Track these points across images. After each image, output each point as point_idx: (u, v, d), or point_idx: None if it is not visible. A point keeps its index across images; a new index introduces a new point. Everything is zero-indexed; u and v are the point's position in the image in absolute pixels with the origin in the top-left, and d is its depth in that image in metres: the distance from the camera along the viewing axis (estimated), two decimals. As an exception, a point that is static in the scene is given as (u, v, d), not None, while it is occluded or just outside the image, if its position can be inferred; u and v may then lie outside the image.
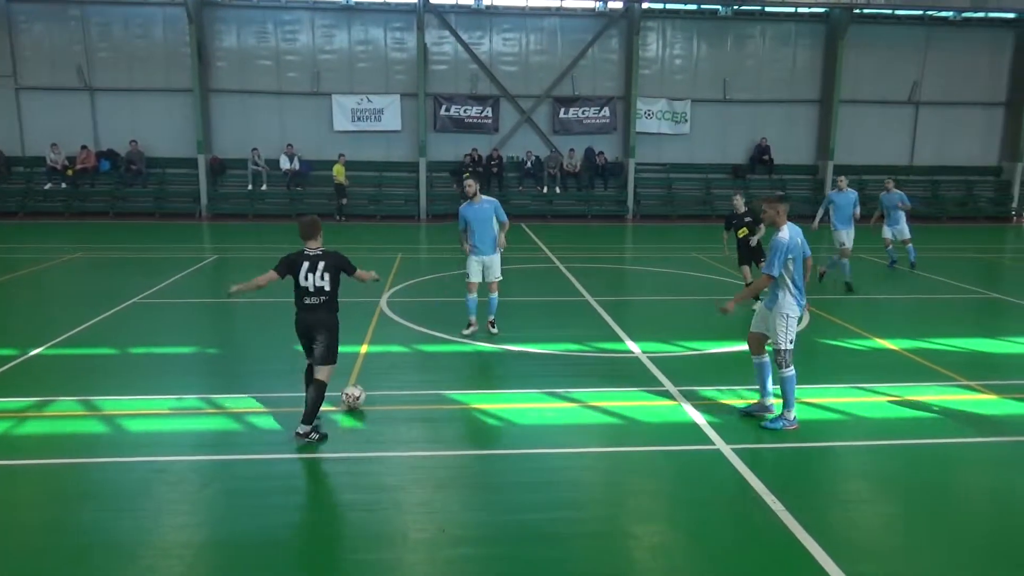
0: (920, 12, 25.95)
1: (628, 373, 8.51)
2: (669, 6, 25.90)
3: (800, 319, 7.00)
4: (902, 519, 5.42)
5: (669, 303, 12.81)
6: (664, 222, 25.46)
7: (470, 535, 5.06)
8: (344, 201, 24.38)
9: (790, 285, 6.73)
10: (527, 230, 22.17)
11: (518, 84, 26.00)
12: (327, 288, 6.43)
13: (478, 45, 25.73)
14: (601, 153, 26.12)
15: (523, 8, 25.68)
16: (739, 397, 7.64)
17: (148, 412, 7.16)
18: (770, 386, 7.09)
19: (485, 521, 5.24)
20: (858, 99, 26.64)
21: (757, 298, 11.33)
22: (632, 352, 9.31)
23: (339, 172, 24.27)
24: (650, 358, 9.02)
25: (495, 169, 25.45)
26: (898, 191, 15.03)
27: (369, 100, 25.49)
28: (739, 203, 11.97)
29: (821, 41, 26.52)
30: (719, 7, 25.79)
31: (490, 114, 25.96)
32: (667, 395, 7.70)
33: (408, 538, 5.01)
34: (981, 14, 25.98)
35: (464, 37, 25.58)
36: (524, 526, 5.16)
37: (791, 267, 6.71)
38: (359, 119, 25.56)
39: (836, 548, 4.83)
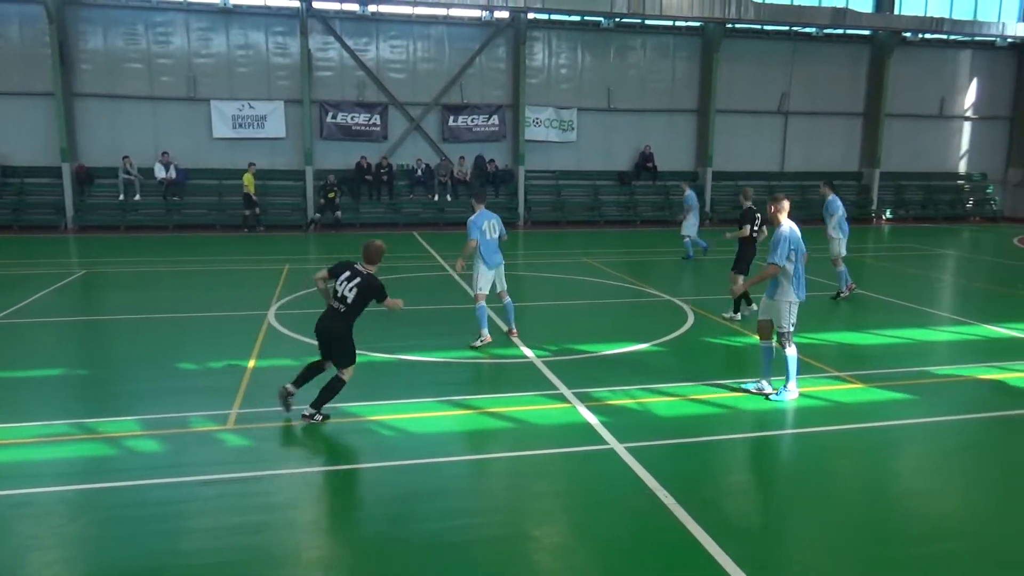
0: (786, 27, 27.69)
1: (522, 378, 8.56)
2: (554, 17, 26.41)
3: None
4: (784, 504, 5.73)
5: (561, 308, 13.01)
6: (554, 228, 25.90)
7: (368, 550, 4.93)
8: (256, 212, 23.50)
9: (791, 275, 7.56)
10: (419, 238, 22.00)
11: (406, 91, 25.80)
12: (349, 301, 6.99)
13: (364, 52, 25.36)
14: (492, 160, 26.28)
15: (409, 16, 25.51)
16: (630, 397, 7.84)
17: (7, 441, 6.58)
18: (770, 370, 7.93)
19: (383, 534, 5.13)
20: (732, 109, 28.06)
21: (749, 303, 11.66)
22: (526, 357, 9.39)
23: (248, 182, 23.29)
24: (544, 362, 9.12)
25: (385, 177, 25.15)
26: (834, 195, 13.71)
27: (251, 106, 24.59)
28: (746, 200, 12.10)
29: (698, 54, 27.79)
30: (601, 19, 26.55)
31: (378, 121, 25.61)
32: (561, 398, 7.81)
33: (301, 558, 4.82)
34: (840, 30, 28.01)
35: (350, 43, 25.14)
36: (423, 536, 5.08)
37: (793, 258, 7.55)
38: (240, 126, 24.62)
39: (724, 536, 5.02)
